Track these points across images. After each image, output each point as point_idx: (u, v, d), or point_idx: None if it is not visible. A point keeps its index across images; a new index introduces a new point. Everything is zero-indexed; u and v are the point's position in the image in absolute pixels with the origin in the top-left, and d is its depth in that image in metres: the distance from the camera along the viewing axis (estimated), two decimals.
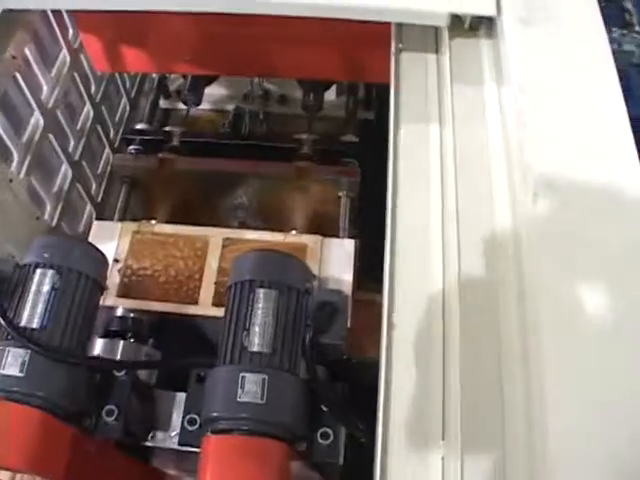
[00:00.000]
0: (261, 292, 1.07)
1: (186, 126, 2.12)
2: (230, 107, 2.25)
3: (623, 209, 0.77)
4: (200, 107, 2.24)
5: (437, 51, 1.03)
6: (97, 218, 1.91)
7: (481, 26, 1.04)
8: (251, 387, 0.96)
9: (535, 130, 0.83)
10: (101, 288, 1.15)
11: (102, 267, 1.16)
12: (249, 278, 1.09)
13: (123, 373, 1.12)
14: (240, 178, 1.83)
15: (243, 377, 0.97)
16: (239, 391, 0.96)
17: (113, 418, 1.08)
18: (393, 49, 1.02)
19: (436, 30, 1.05)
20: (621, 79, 2.77)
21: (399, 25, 1.06)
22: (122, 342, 1.36)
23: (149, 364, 1.32)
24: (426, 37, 1.05)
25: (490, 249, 0.80)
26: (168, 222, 1.70)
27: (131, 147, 1.94)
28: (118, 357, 1.32)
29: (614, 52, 2.78)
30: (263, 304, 1.06)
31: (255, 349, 1.01)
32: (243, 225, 1.85)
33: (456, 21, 1.03)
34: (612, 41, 2.76)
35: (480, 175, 0.87)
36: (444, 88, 0.95)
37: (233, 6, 1.06)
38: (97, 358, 1.24)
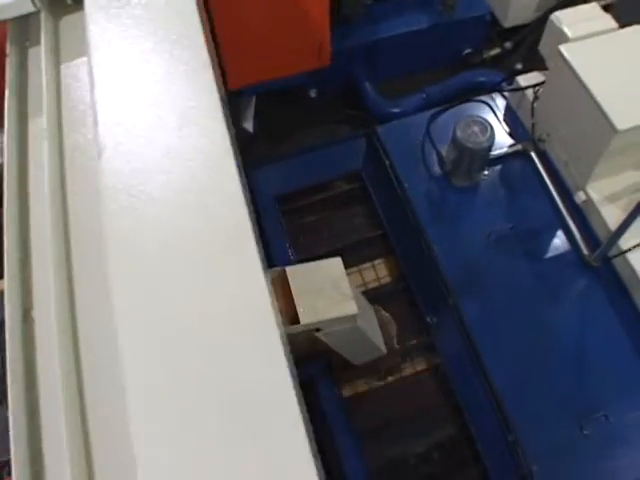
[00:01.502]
0: None
1: None
2: None
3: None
4: None
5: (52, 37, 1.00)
6: None
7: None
8: None
9: (105, 92, 0.82)
10: None
11: None
12: None
13: None
14: None
15: None
16: None
17: None
18: (7, 51, 0.99)
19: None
20: None
21: (15, 24, 1.02)
22: None
23: None
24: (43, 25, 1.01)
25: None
26: None
27: None
28: None
29: None
30: None
31: None
32: None
33: (59, 2, 0.99)
34: None
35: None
36: (50, 70, 0.92)
37: None
38: None
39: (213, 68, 0.90)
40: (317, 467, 0.66)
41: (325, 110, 2.76)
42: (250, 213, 0.80)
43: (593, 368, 2.00)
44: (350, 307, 1.62)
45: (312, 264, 1.69)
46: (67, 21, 0.95)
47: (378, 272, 2.24)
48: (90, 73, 0.83)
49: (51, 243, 0.78)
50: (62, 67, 0.91)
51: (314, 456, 0.69)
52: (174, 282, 0.72)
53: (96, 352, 0.72)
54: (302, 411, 0.72)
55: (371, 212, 2.36)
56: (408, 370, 2.09)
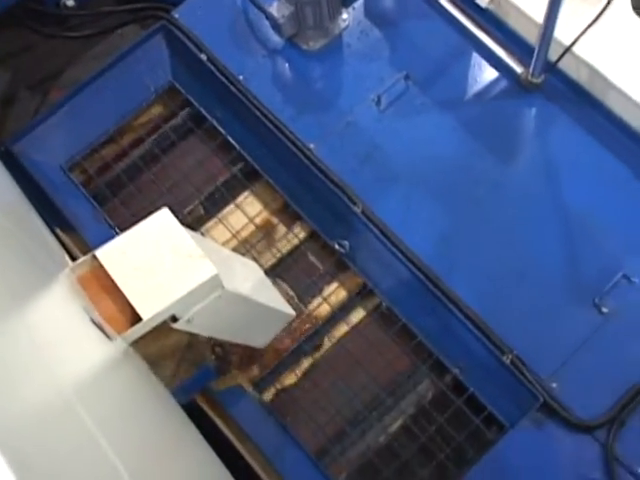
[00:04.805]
0: None
1: None
2: None
3: None
4: None
5: None
6: None
7: None
8: None
9: None
10: None
11: None
12: None
13: None
14: None
15: None
16: None
17: None
18: None
19: None
20: None
21: None
22: None
23: None
24: None
25: None
26: None
27: None
28: None
29: None
30: None
31: None
32: None
33: None
34: None
35: None
36: None
37: None
38: None
39: None
40: None
41: (96, 19, 2.65)
42: None
43: (586, 226, 2.01)
44: (204, 268, 1.55)
45: (130, 232, 1.61)
46: None
47: (247, 212, 2.17)
48: None
49: None
50: None
51: None
52: None
53: None
54: None
55: (210, 135, 2.28)
56: (341, 328, 2.04)
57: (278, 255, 2.14)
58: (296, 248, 2.14)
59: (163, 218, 1.61)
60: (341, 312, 2.08)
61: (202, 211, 2.21)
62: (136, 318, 1.52)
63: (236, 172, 2.24)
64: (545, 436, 1.83)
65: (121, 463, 1.32)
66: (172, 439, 1.73)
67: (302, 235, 2.15)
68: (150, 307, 1.52)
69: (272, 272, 2.10)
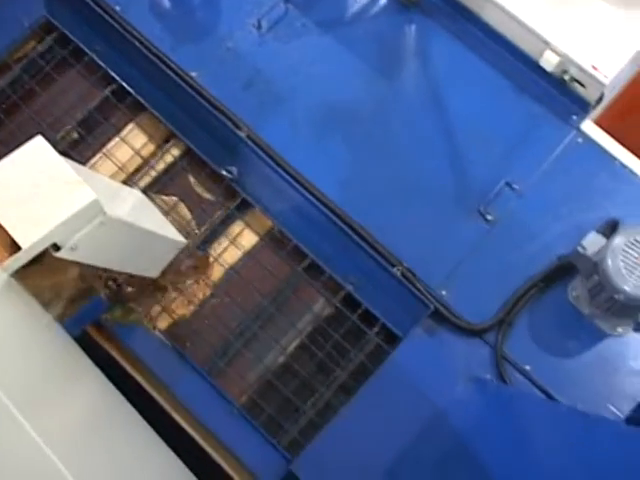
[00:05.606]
0: None
1: None
2: None
3: None
4: None
5: None
6: None
7: None
8: None
9: None
10: None
11: None
12: None
13: None
14: None
15: None
16: None
17: None
18: None
19: None
20: None
21: None
22: None
23: None
24: None
25: None
26: None
27: None
28: None
29: None
30: None
31: None
32: None
33: None
34: None
35: None
36: None
37: None
38: None
39: None
40: None
41: None
42: None
43: (468, 137, 2.06)
44: (82, 194, 1.53)
45: (4, 162, 1.58)
46: None
47: (133, 144, 2.14)
48: None
49: None
50: None
51: None
52: None
53: None
54: None
55: (90, 69, 2.23)
56: (233, 253, 2.04)
57: (154, 174, 2.13)
58: (173, 165, 2.12)
59: (37, 146, 1.58)
60: (233, 237, 2.07)
61: (76, 135, 2.17)
62: (15, 248, 1.49)
63: (107, 94, 2.19)
64: (437, 342, 1.88)
65: (9, 399, 1.29)
66: (65, 372, 1.71)
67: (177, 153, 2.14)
68: (29, 235, 1.49)
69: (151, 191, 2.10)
